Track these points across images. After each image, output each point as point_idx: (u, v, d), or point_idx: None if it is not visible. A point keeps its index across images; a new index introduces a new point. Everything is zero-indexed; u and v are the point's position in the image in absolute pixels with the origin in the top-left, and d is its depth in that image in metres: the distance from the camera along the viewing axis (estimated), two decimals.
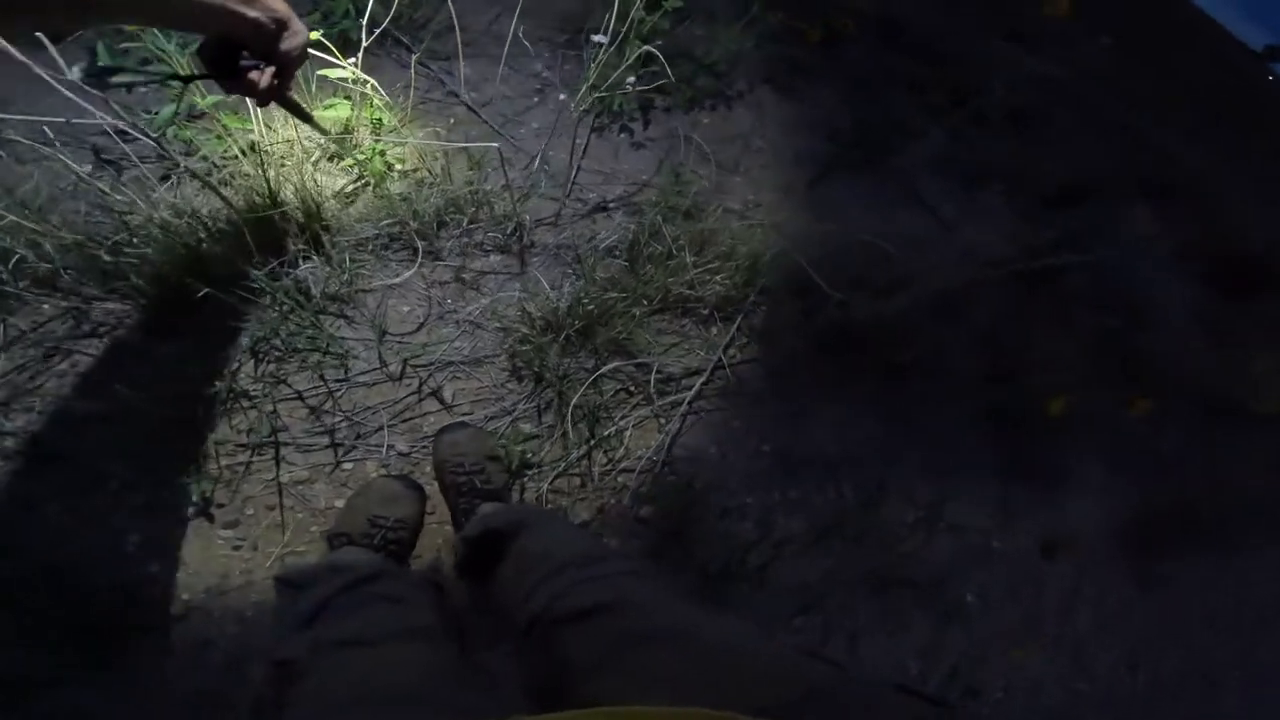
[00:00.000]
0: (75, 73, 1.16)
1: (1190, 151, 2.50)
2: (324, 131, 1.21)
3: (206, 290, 1.24)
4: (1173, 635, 1.68)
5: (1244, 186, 2.45)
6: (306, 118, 0.97)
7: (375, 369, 1.30)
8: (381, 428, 1.27)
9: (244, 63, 0.77)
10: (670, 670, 0.58)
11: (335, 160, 1.43)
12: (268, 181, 1.27)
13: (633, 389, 1.41)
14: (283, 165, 1.35)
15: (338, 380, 1.27)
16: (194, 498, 1.14)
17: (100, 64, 1.34)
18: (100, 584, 1.06)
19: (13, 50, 1.09)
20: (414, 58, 1.43)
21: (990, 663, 1.53)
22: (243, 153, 1.32)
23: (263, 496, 1.18)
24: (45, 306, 1.19)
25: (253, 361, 1.24)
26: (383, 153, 1.41)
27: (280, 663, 0.70)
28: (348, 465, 1.24)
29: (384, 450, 1.26)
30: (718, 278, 1.48)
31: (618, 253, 1.47)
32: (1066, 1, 2.35)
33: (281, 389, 1.24)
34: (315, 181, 1.35)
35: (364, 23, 1.29)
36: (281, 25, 0.76)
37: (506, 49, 1.55)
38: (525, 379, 1.35)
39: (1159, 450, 1.85)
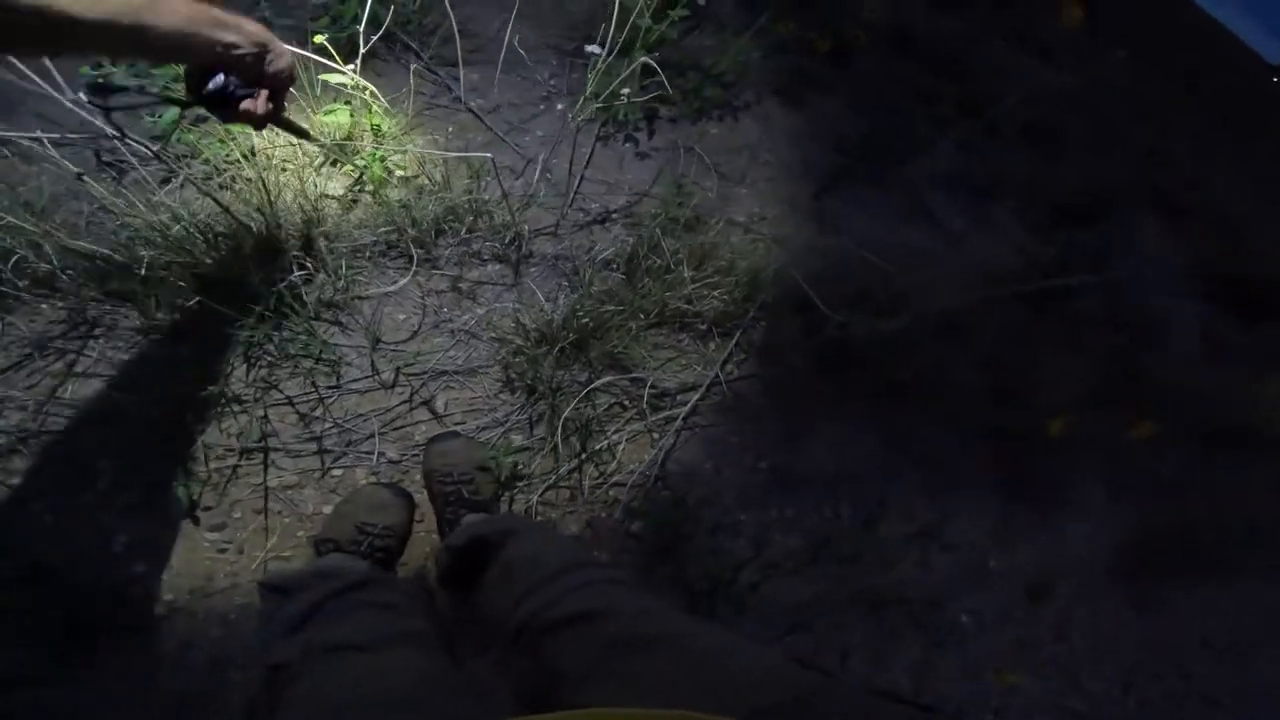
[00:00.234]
0: (79, 93, 1.15)
1: (1205, 168, 2.42)
2: (322, 145, 1.18)
3: (201, 292, 1.23)
4: (1169, 657, 1.63)
5: (1259, 205, 2.37)
6: (303, 134, 0.95)
7: (368, 376, 1.27)
8: (372, 435, 1.24)
9: (239, 91, 0.76)
10: (658, 676, 0.58)
11: (337, 165, 1.40)
12: (266, 188, 1.25)
13: (626, 403, 1.37)
14: (284, 170, 1.32)
15: (329, 387, 1.25)
16: (182, 500, 1.12)
17: (101, 82, 1.33)
18: (86, 583, 1.04)
19: (20, 65, 1.08)
20: (413, 67, 1.40)
21: (982, 683, 1.48)
22: (244, 157, 1.30)
23: (250, 500, 1.16)
24: (44, 306, 1.18)
25: (245, 366, 1.22)
26: (383, 159, 1.38)
27: (273, 667, 0.68)
28: (337, 472, 1.21)
29: (374, 458, 1.23)
30: (716, 293, 1.44)
31: (615, 265, 1.43)
32: (1080, 13, 2.28)
33: (273, 394, 1.22)
34: (315, 187, 1.32)
35: (361, 28, 1.26)
36: (262, 48, 0.75)
37: (506, 56, 1.52)
38: (518, 390, 1.32)
39: (1161, 473, 1.79)
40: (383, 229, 1.33)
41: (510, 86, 1.59)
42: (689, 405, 1.40)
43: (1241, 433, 1.89)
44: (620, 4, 1.28)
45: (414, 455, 1.25)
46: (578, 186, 1.51)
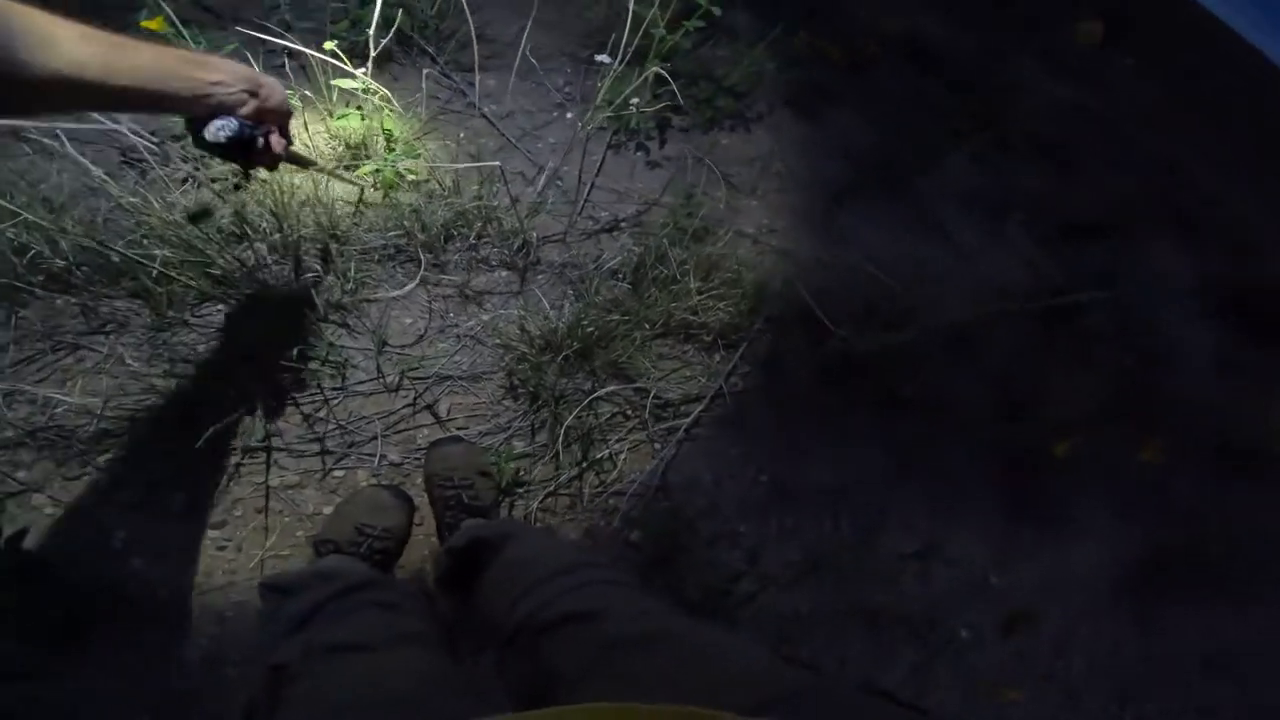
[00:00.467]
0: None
1: (1223, 186, 2.34)
2: (330, 172, 1.16)
3: (212, 292, 1.22)
4: (1169, 677, 1.59)
5: (1277, 222, 2.29)
6: (311, 164, 0.94)
7: (373, 379, 1.25)
8: (375, 437, 1.22)
9: (253, 131, 0.73)
10: (655, 674, 0.57)
11: (351, 169, 1.38)
12: (279, 190, 1.24)
13: (629, 413, 1.34)
14: (297, 172, 1.31)
15: (334, 388, 1.23)
16: (182, 497, 1.10)
17: None
18: (84, 578, 1.03)
19: None
20: (426, 71, 1.38)
21: (978, 697, 1.45)
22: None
23: (251, 499, 1.14)
24: (57, 302, 1.17)
25: (251, 365, 1.20)
26: (393, 164, 1.36)
27: (274, 667, 0.67)
28: (338, 473, 1.20)
29: (376, 460, 1.21)
30: (722, 304, 1.41)
31: (622, 275, 1.40)
32: (1101, 31, 2.22)
33: (277, 393, 1.20)
34: (327, 191, 1.31)
35: (373, 32, 1.24)
36: (252, 84, 0.72)
37: (521, 62, 1.49)
38: (521, 397, 1.30)
39: (1169, 494, 1.74)
40: (392, 233, 1.31)
41: (524, 93, 1.57)
42: (691, 416, 1.37)
43: (1251, 452, 1.83)
44: (635, 14, 1.25)
45: (416, 459, 1.23)
46: (588, 194, 1.49)
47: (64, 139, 1.21)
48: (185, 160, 1.33)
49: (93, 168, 1.21)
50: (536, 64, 1.56)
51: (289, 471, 1.17)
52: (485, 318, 1.32)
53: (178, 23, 1.22)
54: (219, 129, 0.69)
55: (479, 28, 1.60)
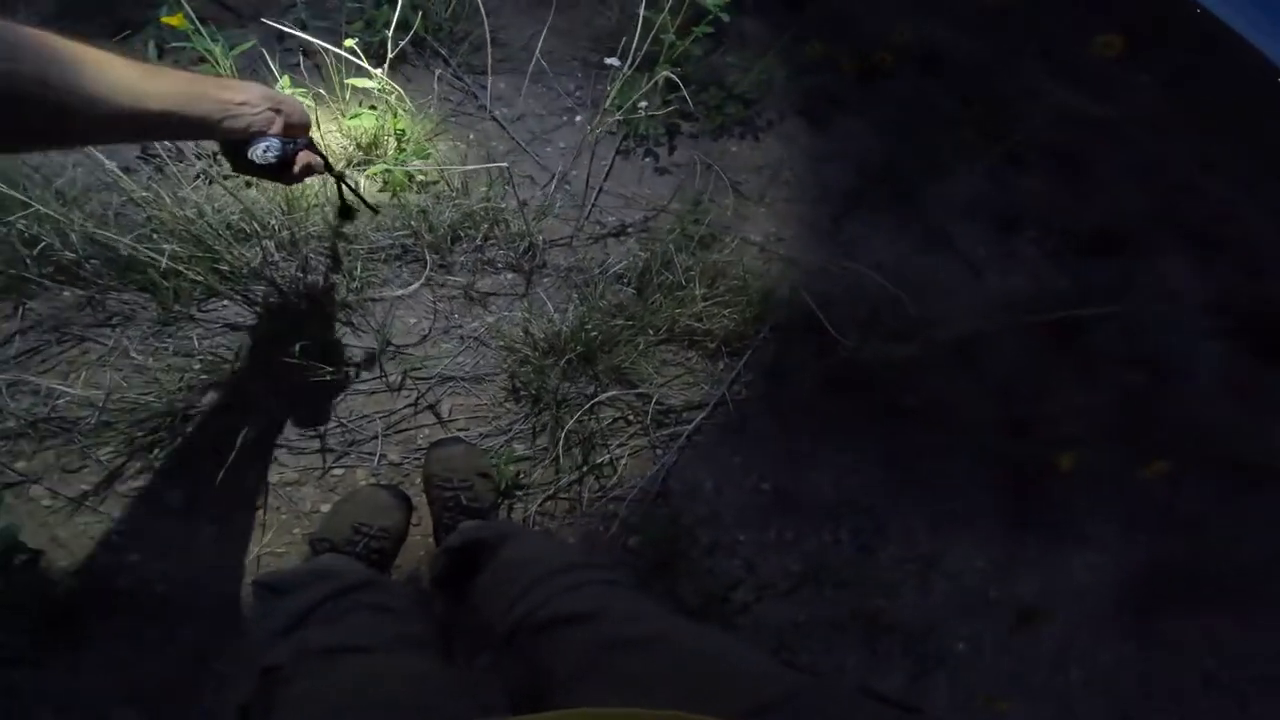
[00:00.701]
0: None
1: (1238, 203, 2.28)
2: (353, 192, 1.13)
3: (219, 288, 1.19)
4: (1167, 692, 1.54)
5: None
6: (336, 173, 0.93)
7: (376, 378, 1.22)
8: (375, 436, 1.19)
9: (292, 146, 0.74)
10: (651, 676, 0.56)
11: (361, 168, 1.36)
12: (290, 189, 1.21)
13: (630, 418, 1.31)
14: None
15: (337, 387, 1.20)
16: (180, 490, 1.08)
17: None
18: (78, 568, 1.01)
19: None
20: (438, 72, 1.35)
21: (974, 711, 1.41)
22: None
23: (249, 495, 1.12)
24: (65, 293, 1.15)
25: (256, 362, 1.18)
26: (404, 164, 1.34)
27: (267, 668, 0.65)
28: (338, 471, 1.17)
29: (375, 459, 1.18)
30: (727, 311, 1.37)
31: (627, 279, 1.37)
32: (1121, 42, 2.16)
33: (280, 390, 1.18)
34: (331, 190, 1.28)
35: (390, 33, 1.22)
36: (276, 102, 0.71)
37: (533, 66, 1.46)
38: (523, 400, 1.27)
39: (1173, 510, 1.69)
40: (399, 233, 1.29)
41: (535, 97, 1.54)
42: (694, 423, 1.33)
43: (1257, 472, 1.78)
44: (645, 19, 1.22)
45: (415, 459, 1.20)
46: (595, 199, 1.46)
47: None
48: (199, 157, 1.31)
49: (107, 162, 1.19)
50: (548, 68, 1.54)
51: (288, 468, 1.15)
52: (490, 319, 1.29)
53: (196, 20, 1.20)
54: (265, 150, 0.70)
55: (492, 31, 1.57)
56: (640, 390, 1.30)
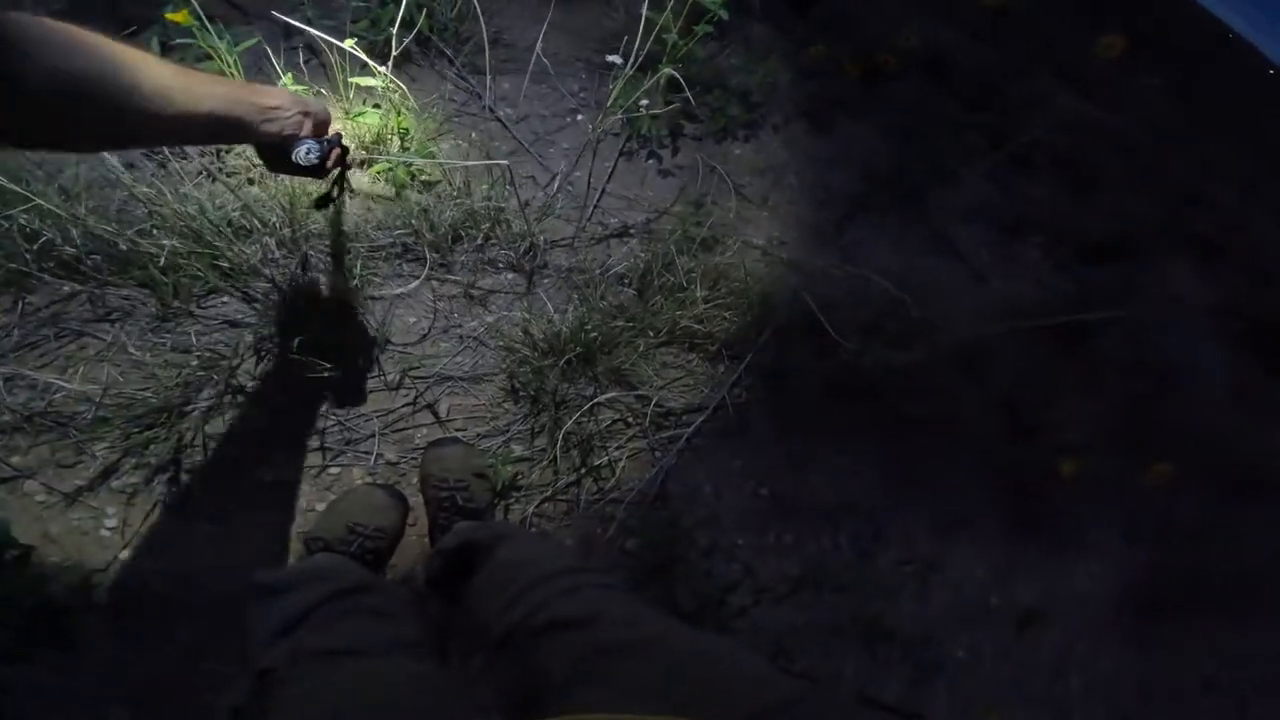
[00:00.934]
0: None
1: (1243, 207, 2.23)
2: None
3: (219, 284, 1.17)
4: (1167, 699, 1.51)
5: None
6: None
7: (374, 377, 1.20)
8: (373, 435, 1.17)
9: (328, 144, 0.77)
10: (645, 680, 0.55)
11: (365, 166, 1.33)
12: (291, 185, 1.19)
13: (630, 420, 1.27)
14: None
15: (335, 385, 1.17)
16: (176, 487, 1.05)
17: None
18: (71, 564, 0.99)
19: None
20: (443, 72, 1.32)
21: (973, 718, 1.37)
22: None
23: (245, 493, 1.09)
24: (65, 288, 1.13)
25: (254, 359, 1.15)
26: (408, 163, 1.31)
27: (262, 671, 0.63)
28: (334, 470, 1.14)
29: (372, 458, 1.16)
30: (729, 314, 1.33)
31: (628, 281, 1.34)
32: (1122, 43, 2.11)
33: (278, 388, 1.15)
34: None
35: (394, 31, 1.19)
36: (303, 106, 0.73)
37: (537, 66, 1.43)
38: (522, 400, 1.24)
39: (1175, 518, 1.65)
40: (400, 231, 1.26)
41: (539, 97, 1.51)
42: (693, 426, 1.30)
43: (1261, 480, 1.74)
44: (647, 19, 1.18)
45: (412, 458, 1.17)
46: (598, 200, 1.42)
47: None
48: (202, 154, 1.28)
49: (110, 158, 1.17)
50: (552, 69, 1.51)
51: (285, 466, 1.12)
52: (489, 319, 1.26)
53: (203, 16, 1.17)
54: (307, 153, 0.74)
55: (497, 32, 1.55)
56: (640, 392, 1.27)
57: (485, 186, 1.31)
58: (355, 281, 1.22)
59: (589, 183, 1.40)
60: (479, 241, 1.29)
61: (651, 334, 1.28)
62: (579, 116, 1.53)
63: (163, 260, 1.11)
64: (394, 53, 1.21)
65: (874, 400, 1.44)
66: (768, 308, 1.38)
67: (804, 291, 1.38)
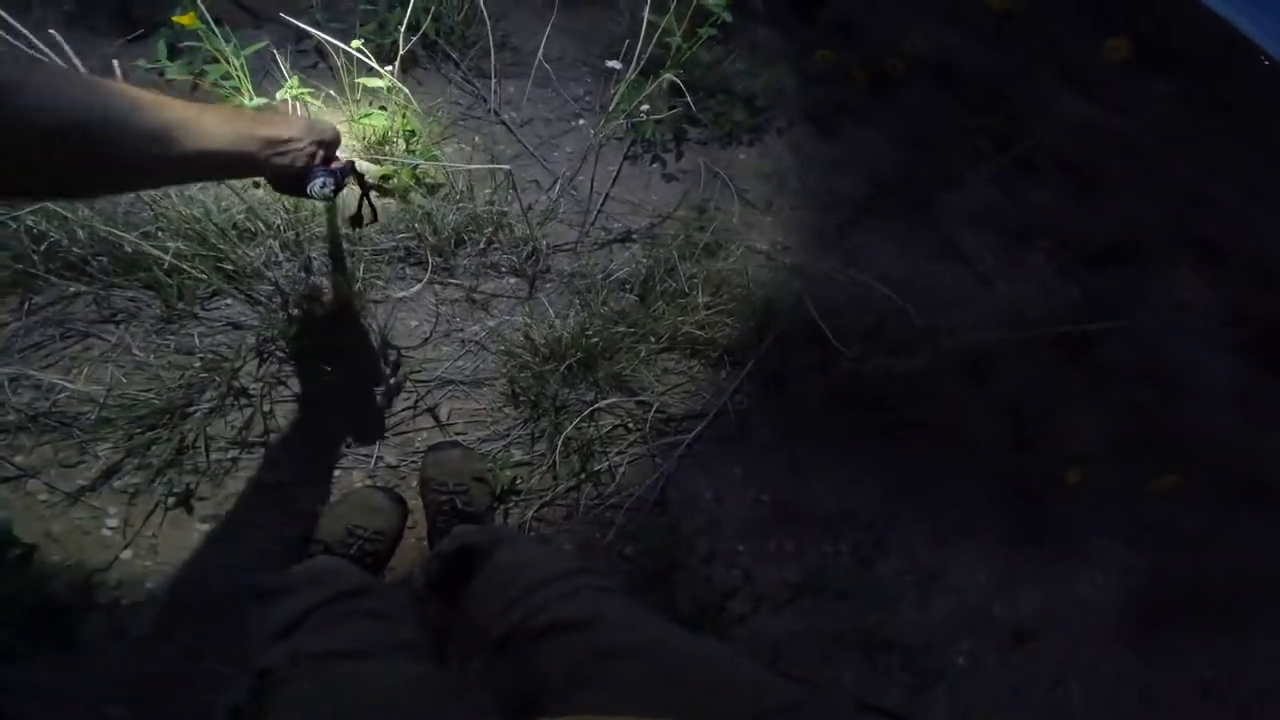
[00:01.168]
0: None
1: (1250, 211, 2.18)
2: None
3: (223, 286, 1.15)
4: (1167, 706, 1.48)
5: None
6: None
7: (375, 380, 1.18)
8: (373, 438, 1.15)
9: (341, 173, 0.75)
10: (643, 684, 0.54)
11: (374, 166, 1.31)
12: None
13: (630, 426, 1.25)
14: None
15: (336, 388, 1.16)
16: (177, 488, 1.04)
17: None
18: (71, 562, 0.98)
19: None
20: (449, 76, 1.30)
21: None
22: None
23: (245, 494, 1.08)
24: (71, 289, 1.12)
25: (256, 361, 1.14)
26: (414, 165, 1.29)
27: (261, 672, 0.62)
28: (335, 471, 1.13)
29: (373, 461, 1.14)
30: (730, 320, 1.31)
31: (630, 286, 1.31)
32: (1127, 46, 2.06)
33: (280, 390, 1.14)
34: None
35: (401, 33, 1.17)
36: (315, 133, 0.70)
37: (542, 70, 1.41)
38: (523, 405, 1.22)
39: (1180, 526, 1.62)
40: (403, 235, 1.24)
41: (544, 101, 1.49)
42: (694, 433, 1.27)
43: (1266, 485, 1.70)
44: (650, 22, 1.16)
45: (412, 461, 1.16)
46: (601, 205, 1.40)
47: None
48: None
49: None
50: (557, 73, 1.48)
51: (285, 468, 1.10)
52: (491, 323, 1.24)
53: (210, 19, 1.16)
54: (321, 186, 0.72)
55: (504, 35, 1.52)
56: (641, 398, 1.25)
57: (488, 191, 1.29)
58: (358, 285, 1.20)
59: (592, 187, 1.38)
60: (481, 245, 1.27)
61: (653, 340, 1.26)
62: (583, 120, 1.51)
63: (167, 262, 1.09)
64: (400, 55, 1.19)
65: (876, 407, 1.42)
66: (770, 314, 1.36)
67: (806, 298, 1.35)
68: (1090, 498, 1.55)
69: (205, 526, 1.04)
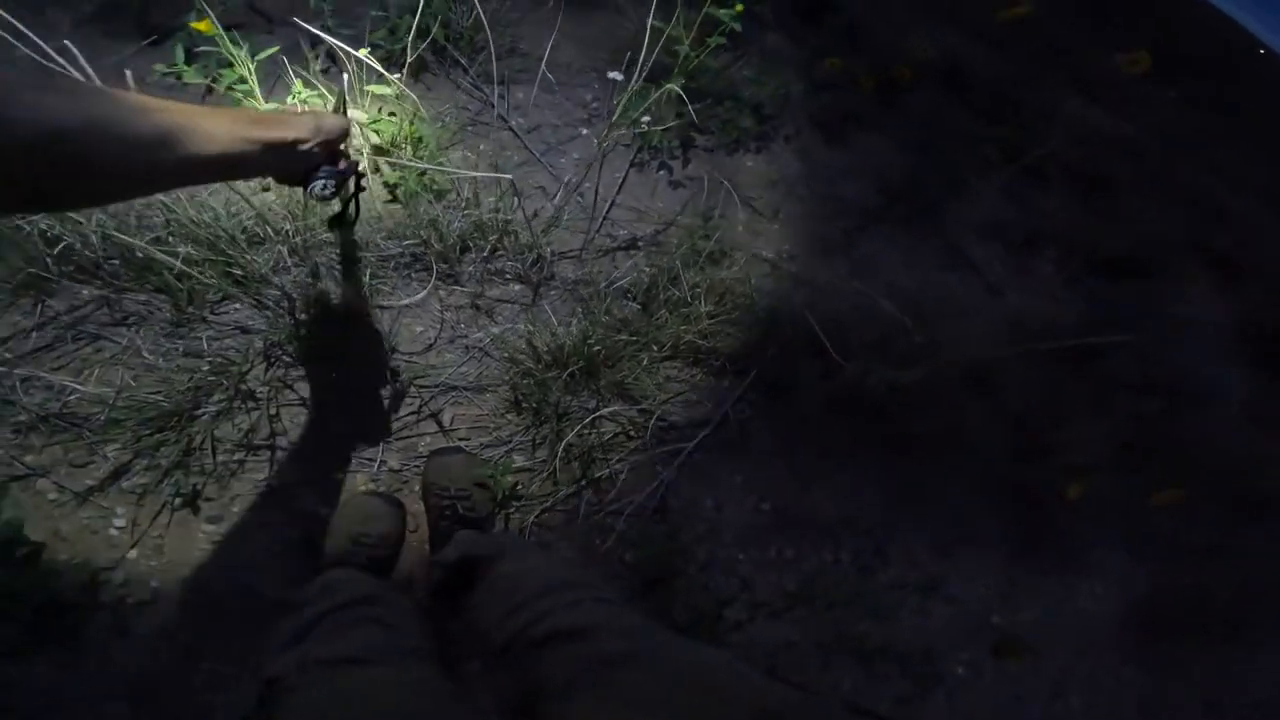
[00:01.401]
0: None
1: (1261, 219, 2.12)
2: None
3: (231, 291, 1.15)
4: (1168, 717, 1.46)
5: None
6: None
7: (380, 385, 1.17)
8: (377, 442, 1.14)
9: (342, 172, 0.73)
10: (640, 690, 0.55)
11: (377, 173, 1.31)
12: (304, 196, 1.16)
13: (632, 433, 1.24)
14: None
15: (341, 392, 1.15)
16: (184, 489, 1.04)
17: None
18: (78, 561, 0.98)
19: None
20: (457, 82, 1.28)
21: None
22: None
23: (251, 496, 1.08)
24: (83, 292, 1.12)
25: (264, 364, 1.14)
26: (422, 172, 1.28)
27: (269, 680, 0.63)
28: (339, 475, 1.12)
29: (376, 465, 1.14)
30: (733, 329, 1.29)
31: (633, 294, 1.29)
32: (1148, 59, 2.01)
33: (287, 394, 1.14)
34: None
35: (410, 40, 1.16)
36: (321, 132, 0.68)
37: (550, 76, 1.39)
38: (525, 412, 1.21)
39: (1183, 538, 1.58)
40: (409, 241, 1.23)
41: (552, 107, 1.47)
42: (695, 440, 1.26)
43: (1272, 500, 1.65)
44: (655, 29, 1.14)
45: (415, 466, 1.15)
46: (607, 211, 1.38)
47: None
48: None
49: None
50: (564, 79, 1.47)
51: (289, 471, 1.10)
52: (495, 330, 1.23)
53: (219, 26, 1.15)
54: (322, 188, 0.71)
55: (512, 41, 1.51)
56: (642, 406, 1.23)
57: (493, 198, 1.28)
58: (365, 290, 1.19)
59: (596, 194, 1.36)
60: (486, 252, 1.26)
61: (655, 348, 1.24)
62: (590, 127, 1.49)
63: (178, 267, 1.09)
64: (409, 61, 1.18)
65: (879, 417, 1.39)
66: (773, 322, 1.34)
67: (809, 308, 1.33)
68: (1092, 509, 1.52)
69: (211, 527, 1.05)
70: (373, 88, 1.24)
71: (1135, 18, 2.16)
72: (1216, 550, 1.59)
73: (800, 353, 1.35)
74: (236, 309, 1.16)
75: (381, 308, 1.21)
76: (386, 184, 1.28)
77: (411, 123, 1.28)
